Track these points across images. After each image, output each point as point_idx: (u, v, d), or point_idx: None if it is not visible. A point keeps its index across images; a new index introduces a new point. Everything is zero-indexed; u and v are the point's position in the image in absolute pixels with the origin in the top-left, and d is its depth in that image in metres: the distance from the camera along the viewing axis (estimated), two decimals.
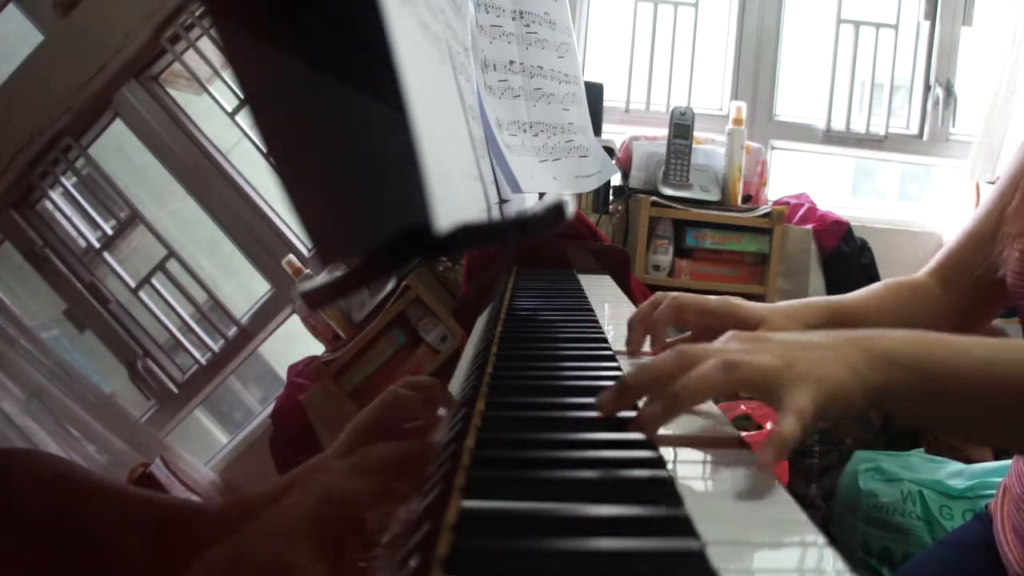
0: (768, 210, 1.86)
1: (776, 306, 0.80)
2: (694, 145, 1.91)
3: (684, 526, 0.35)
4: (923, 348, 0.50)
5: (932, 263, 0.90)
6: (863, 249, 2.09)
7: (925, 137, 2.27)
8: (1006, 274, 0.77)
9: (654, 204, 1.84)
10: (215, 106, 2.27)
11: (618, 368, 0.63)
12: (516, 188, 0.79)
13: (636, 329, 0.71)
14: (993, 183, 0.86)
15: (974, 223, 0.85)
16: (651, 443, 0.45)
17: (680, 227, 1.90)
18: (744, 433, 0.49)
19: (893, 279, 0.91)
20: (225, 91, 2.26)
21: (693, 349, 0.47)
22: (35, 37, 2.15)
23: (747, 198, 1.99)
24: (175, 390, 2.38)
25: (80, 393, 2.10)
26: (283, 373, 2.18)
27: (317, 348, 2.09)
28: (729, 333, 0.51)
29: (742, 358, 0.45)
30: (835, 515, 1.70)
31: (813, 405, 0.44)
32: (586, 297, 0.99)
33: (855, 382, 0.47)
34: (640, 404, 0.49)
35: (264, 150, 2.03)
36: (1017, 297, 0.77)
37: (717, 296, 0.76)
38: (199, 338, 2.39)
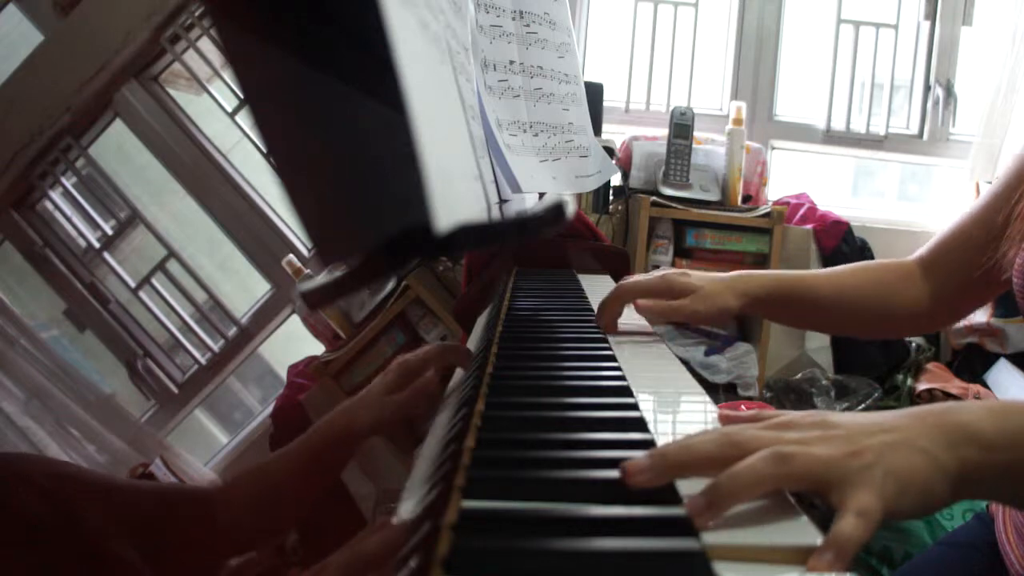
0: (768, 210, 1.86)
1: (715, 275, 0.85)
2: (694, 145, 1.91)
3: (684, 526, 0.35)
4: (1016, 419, 0.43)
5: (921, 250, 0.92)
6: (863, 249, 2.09)
7: (925, 137, 2.27)
8: (1012, 275, 0.77)
9: (654, 204, 1.84)
10: (215, 106, 2.27)
11: (618, 368, 0.63)
12: (516, 188, 0.79)
13: (602, 318, 0.80)
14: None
15: (965, 220, 0.86)
16: (652, 443, 0.45)
17: (680, 227, 1.90)
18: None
19: (880, 260, 0.94)
20: (225, 91, 2.26)
21: (743, 435, 0.41)
22: (35, 37, 2.15)
23: (747, 198, 1.99)
24: (175, 390, 2.38)
25: (80, 393, 2.10)
26: (283, 373, 2.18)
27: (317, 348, 2.09)
28: (788, 415, 0.45)
29: (796, 450, 0.39)
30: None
31: (881, 502, 0.38)
32: (586, 297, 0.99)
33: (933, 470, 0.41)
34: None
35: (264, 150, 2.03)
36: (1022, 298, 0.77)
37: (656, 275, 0.84)
38: (199, 338, 2.39)
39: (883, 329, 1.02)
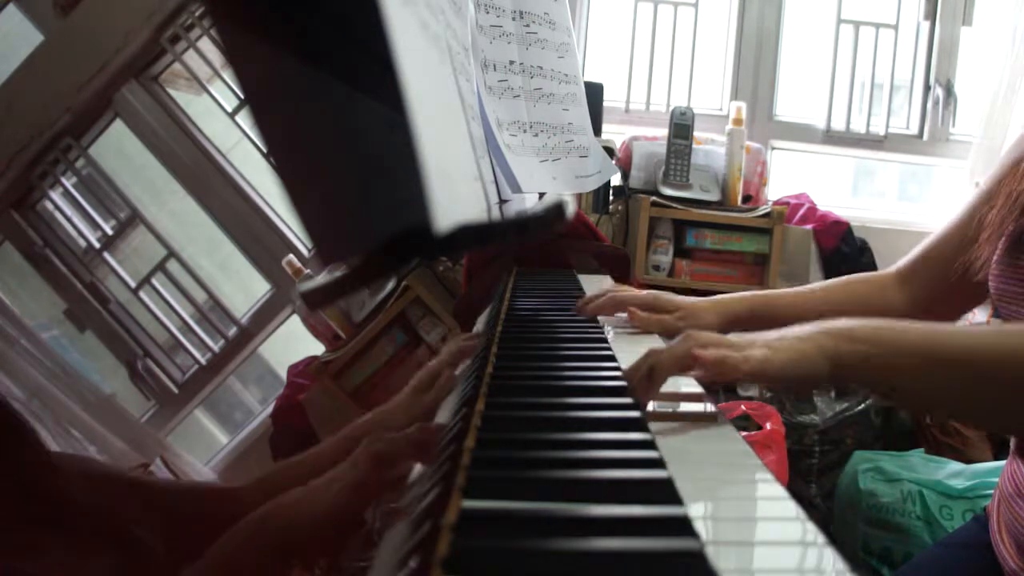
0: (768, 210, 1.86)
1: (697, 303, 0.92)
2: (694, 145, 1.91)
3: (684, 526, 0.35)
4: (875, 325, 0.60)
5: (900, 262, 0.95)
6: (863, 249, 2.09)
7: (925, 137, 2.27)
8: (988, 279, 0.79)
9: (654, 204, 1.84)
10: (215, 106, 2.27)
11: (618, 368, 0.63)
12: (516, 188, 0.79)
13: (585, 308, 0.88)
14: None
15: (943, 230, 0.89)
16: (652, 444, 0.45)
17: (680, 227, 1.90)
18: (743, 433, 0.52)
19: (857, 275, 0.98)
20: (225, 91, 2.26)
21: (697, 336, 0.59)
22: (35, 37, 2.15)
23: (747, 198, 1.99)
24: (175, 390, 2.38)
25: (80, 393, 2.10)
26: (283, 373, 2.18)
27: (317, 348, 2.08)
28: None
29: (708, 341, 0.58)
30: (835, 515, 1.70)
31: (768, 357, 0.57)
32: None
33: (816, 352, 0.58)
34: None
35: (264, 150, 2.03)
36: (1000, 302, 0.78)
37: (646, 292, 0.92)
38: (199, 338, 2.39)
39: None
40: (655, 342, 0.80)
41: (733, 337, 0.59)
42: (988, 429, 0.69)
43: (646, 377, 0.55)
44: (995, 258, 0.77)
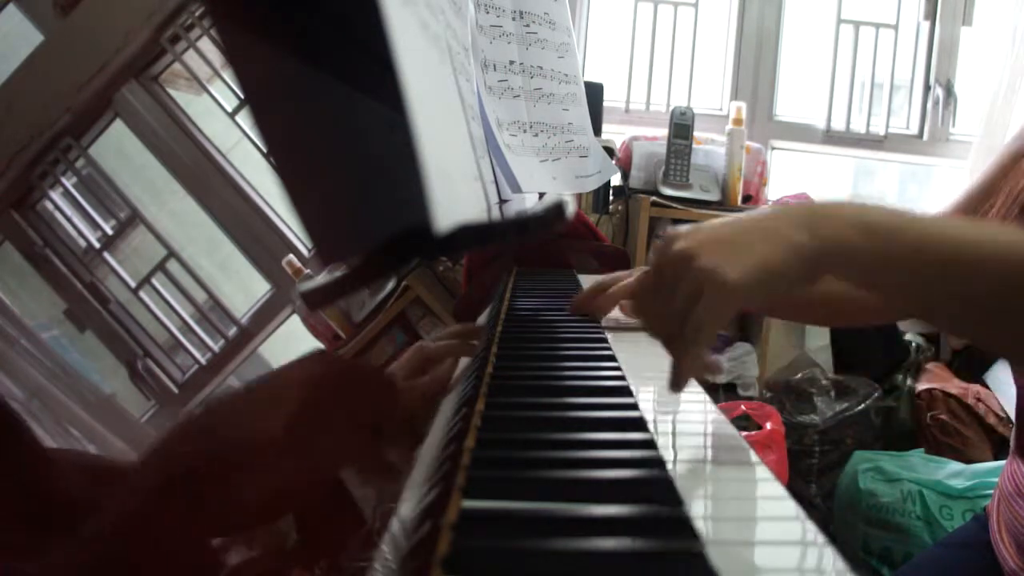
0: None
1: None
2: (694, 145, 1.91)
3: (684, 526, 0.35)
4: (869, 209, 0.50)
5: None
6: None
7: (925, 137, 2.27)
8: None
9: (654, 204, 1.84)
10: (215, 106, 2.27)
11: (618, 368, 0.63)
12: (516, 188, 0.79)
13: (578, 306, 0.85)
14: None
15: (948, 214, 0.86)
16: (652, 443, 0.45)
17: None
18: (744, 433, 0.50)
19: None
20: (225, 91, 2.26)
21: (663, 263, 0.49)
22: (35, 37, 2.15)
23: (747, 198, 1.99)
24: (175, 390, 2.37)
25: (80, 393, 2.10)
26: None
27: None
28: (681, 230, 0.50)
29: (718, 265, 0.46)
30: (835, 515, 1.70)
31: (739, 281, 0.45)
32: None
33: (790, 252, 0.47)
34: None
35: (264, 150, 2.03)
36: None
37: (638, 275, 0.86)
38: (199, 338, 2.39)
39: (854, 319, 1.04)
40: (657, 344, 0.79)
41: (673, 246, 0.48)
42: (983, 346, 0.61)
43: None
44: None
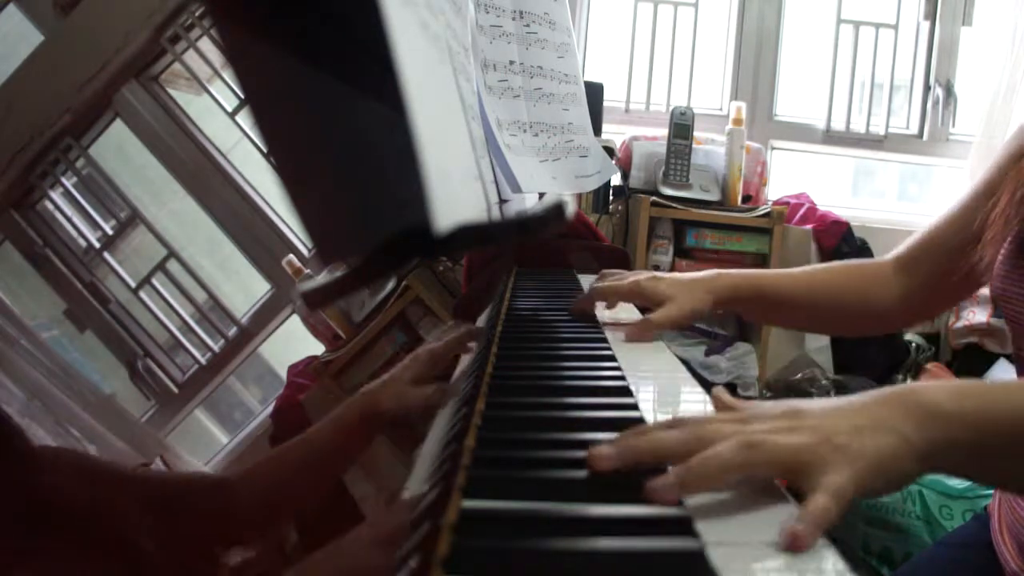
0: (768, 210, 1.86)
1: (682, 283, 0.86)
2: (694, 145, 1.91)
3: (684, 526, 0.35)
4: (977, 399, 0.44)
5: (898, 249, 0.92)
6: (863, 249, 2.09)
7: (925, 137, 2.27)
8: (991, 280, 0.78)
9: (654, 204, 1.84)
10: (215, 106, 2.27)
11: (618, 368, 0.63)
12: (516, 188, 0.79)
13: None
14: None
15: (942, 221, 0.87)
16: None
17: (680, 227, 1.90)
18: None
19: (853, 261, 0.95)
20: (225, 91, 2.26)
21: (707, 429, 0.41)
22: (35, 37, 2.15)
23: (747, 198, 1.99)
24: (175, 390, 2.38)
25: (80, 393, 2.10)
26: (283, 373, 2.18)
27: (317, 348, 2.08)
28: (759, 408, 0.45)
29: (764, 438, 0.40)
30: None
31: (853, 482, 0.38)
32: None
33: (903, 449, 0.41)
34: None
35: (264, 150, 2.03)
36: (1003, 302, 0.77)
37: (631, 280, 0.86)
38: (199, 338, 2.39)
39: (855, 327, 1.04)
40: (657, 344, 0.79)
41: (759, 424, 0.42)
42: None
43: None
44: (999, 259, 0.76)
